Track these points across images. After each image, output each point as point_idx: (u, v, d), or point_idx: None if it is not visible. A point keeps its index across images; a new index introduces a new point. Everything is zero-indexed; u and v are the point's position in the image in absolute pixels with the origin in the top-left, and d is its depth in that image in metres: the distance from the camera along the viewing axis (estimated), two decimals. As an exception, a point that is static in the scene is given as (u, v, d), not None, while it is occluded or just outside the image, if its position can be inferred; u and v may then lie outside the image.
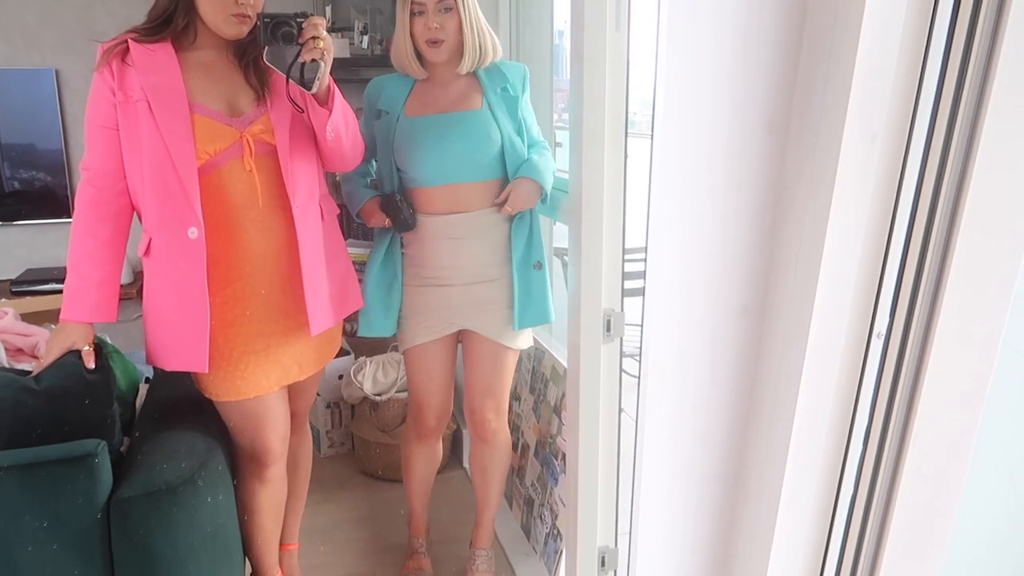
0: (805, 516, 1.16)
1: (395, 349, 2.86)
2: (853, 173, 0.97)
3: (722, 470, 1.25)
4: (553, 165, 1.91)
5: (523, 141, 1.87)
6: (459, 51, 1.81)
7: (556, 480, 2.18)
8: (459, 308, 1.92)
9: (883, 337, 1.06)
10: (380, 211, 1.86)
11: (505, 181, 1.88)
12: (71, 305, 1.55)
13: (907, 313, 1.04)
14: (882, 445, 1.10)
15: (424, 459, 2.17)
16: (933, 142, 0.97)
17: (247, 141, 1.57)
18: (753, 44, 1.03)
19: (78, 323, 1.55)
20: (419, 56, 1.83)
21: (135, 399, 1.85)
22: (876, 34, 0.92)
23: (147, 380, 2.02)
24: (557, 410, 2.21)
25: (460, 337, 2.01)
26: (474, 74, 1.88)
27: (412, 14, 1.78)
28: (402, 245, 1.94)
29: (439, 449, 2.20)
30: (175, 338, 1.61)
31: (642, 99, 1.50)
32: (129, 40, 1.54)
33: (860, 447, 1.12)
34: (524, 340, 2.02)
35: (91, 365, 1.53)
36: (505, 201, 1.83)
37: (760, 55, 1.04)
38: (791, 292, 1.10)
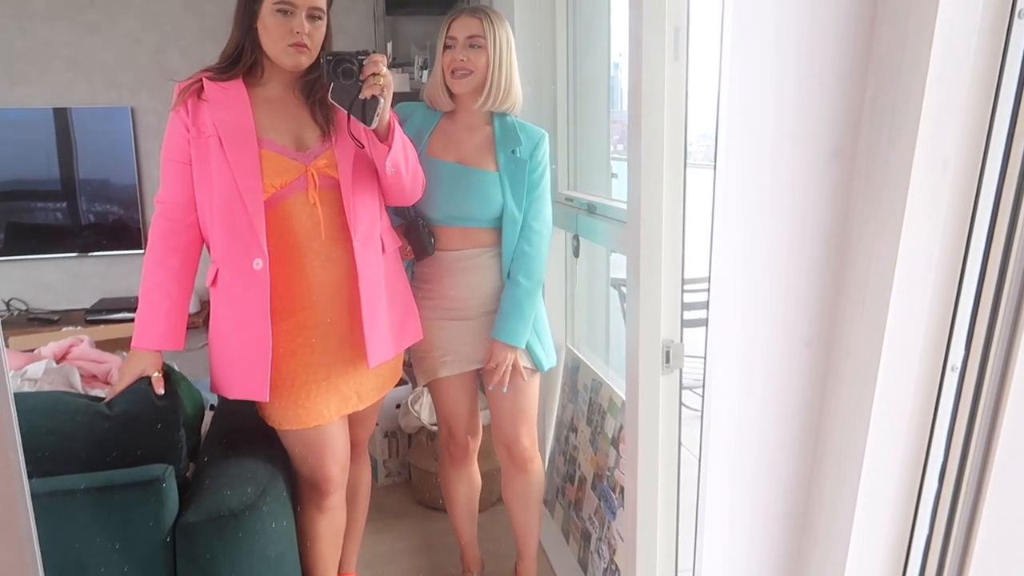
0: (877, 560, 1.11)
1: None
2: (924, 201, 0.94)
3: (788, 509, 1.21)
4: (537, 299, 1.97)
5: (521, 206, 1.91)
6: (482, 87, 1.87)
7: (614, 514, 2.14)
8: (476, 340, 1.96)
9: (958, 371, 1.02)
10: (403, 238, 1.91)
11: None
12: (142, 333, 1.61)
13: (984, 345, 1.00)
14: (959, 486, 1.05)
15: (464, 483, 2.18)
16: (1009, 168, 0.93)
17: (312, 175, 1.61)
18: (817, 69, 1.02)
19: (148, 350, 1.60)
20: (448, 90, 1.89)
21: (200, 425, 1.90)
22: (947, 56, 0.90)
23: (212, 407, 2.07)
24: (615, 442, 2.18)
25: (481, 370, 2.04)
26: (491, 127, 1.93)
27: (445, 47, 1.86)
28: (415, 278, 1.99)
29: (477, 472, 2.21)
30: (238, 367, 1.65)
31: (699, 130, 1.50)
32: (203, 78, 1.61)
33: (935, 487, 1.07)
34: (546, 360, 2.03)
35: (161, 391, 1.57)
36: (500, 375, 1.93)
37: (825, 80, 1.02)
38: (859, 324, 1.07)
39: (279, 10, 1.55)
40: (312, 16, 1.58)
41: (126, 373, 1.58)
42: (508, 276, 1.94)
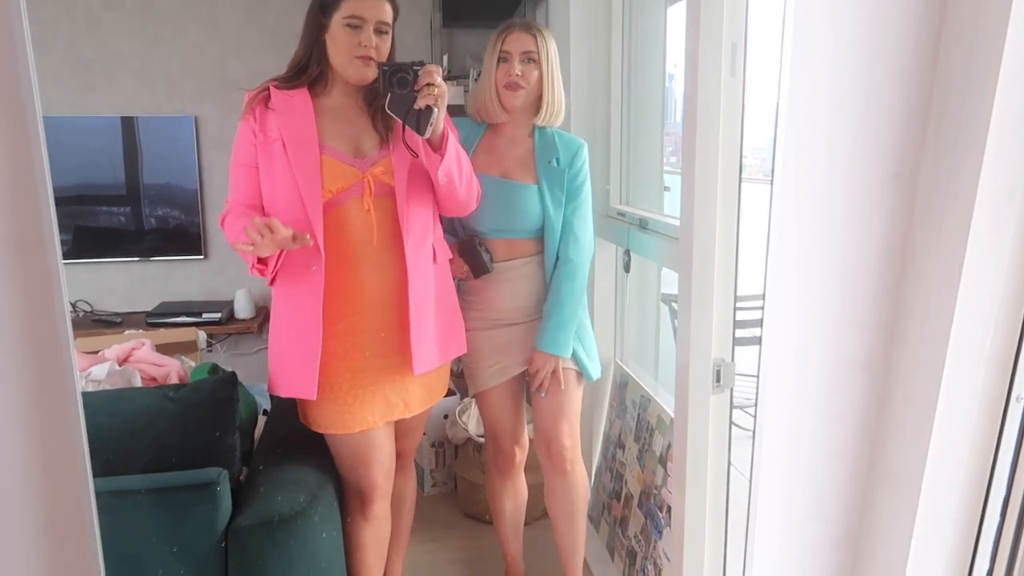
0: (935, 591, 1.08)
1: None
2: (988, 228, 0.92)
3: (841, 536, 1.18)
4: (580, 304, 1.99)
5: (561, 212, 1.95)
6: (536, 103, 1.92)
7: (660, 533, 2.11)
8: (525, 343, 1.99)
9: (1023, 401, 0.99)
10: (459, 257, 1.93)
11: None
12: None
13: (1052, 376, 0.96)
14: (1022, 519, 1.01)
15: (511, 495, 2.19)
16: (1081, 194, 0.90)
17: (368, 181, 1.65)
18: (879, 87, 1.00)
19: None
20: (501, 103, 1.92)
21: (254, 430, 1.94)
22: (1016, 78, 0.87)
23: (265, 412, 2.11)
24: (663, 460, 2.16)
25: (526, 374, 2.05)
26: (532, 140, 1.97)
27: (498, 60, 1.89)
28: (462, 291, 2.00)
29: (524, 484, 2.22)
30: (291, 366, 1.70)
31: (753, 143, 1.48)
32: (271, 87, 1.67)
33: (997, 521, 1.03)
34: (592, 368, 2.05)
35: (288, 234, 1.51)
36: (540, 381, 1.96)
37: (887, 99, 1.00)
38: (919, 350, 1.04)
39: (348, 24, 1.60)
40: (379, 30, 1.63)
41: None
42: (551, 283, 1.96)
